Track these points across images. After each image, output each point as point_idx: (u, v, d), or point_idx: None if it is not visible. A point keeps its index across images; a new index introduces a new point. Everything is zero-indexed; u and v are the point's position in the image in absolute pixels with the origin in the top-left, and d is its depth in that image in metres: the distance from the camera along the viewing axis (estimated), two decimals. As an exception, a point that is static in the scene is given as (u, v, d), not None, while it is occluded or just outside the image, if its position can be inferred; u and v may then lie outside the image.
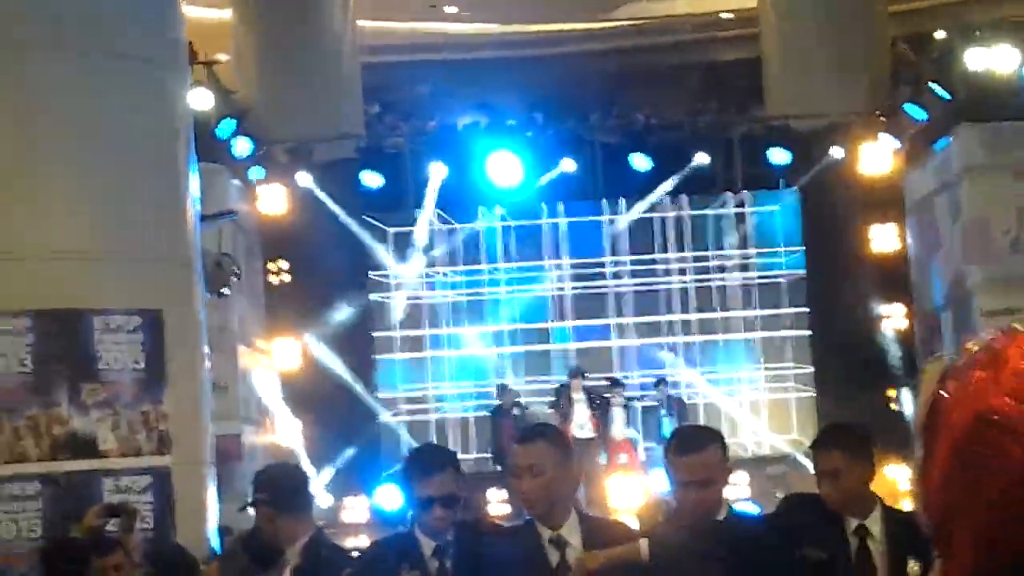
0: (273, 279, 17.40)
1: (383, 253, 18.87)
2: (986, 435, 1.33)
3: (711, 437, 4.61)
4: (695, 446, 4.48)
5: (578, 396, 16.97)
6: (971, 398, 1.36)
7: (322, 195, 17.94)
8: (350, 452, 17.14)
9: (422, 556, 4.46)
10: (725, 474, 4.57)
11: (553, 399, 17.34)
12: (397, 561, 4.43)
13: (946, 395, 1.39)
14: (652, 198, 18.79)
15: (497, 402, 17.78)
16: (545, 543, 4.40)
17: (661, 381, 17.79)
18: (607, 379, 17.88)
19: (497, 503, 15.59)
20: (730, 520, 4.52)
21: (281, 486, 5.10)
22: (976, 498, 1.32)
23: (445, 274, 19.10)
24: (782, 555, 4.48)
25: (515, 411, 17.21)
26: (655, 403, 17.78)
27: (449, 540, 4.49)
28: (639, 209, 18.90)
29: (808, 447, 5.41)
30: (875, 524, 4.74)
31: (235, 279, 13.34)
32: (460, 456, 17.41)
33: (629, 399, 17.79)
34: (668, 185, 18.62)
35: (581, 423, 16.71)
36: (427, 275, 19.07)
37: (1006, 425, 1.33)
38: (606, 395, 17.31)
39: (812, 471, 4.98)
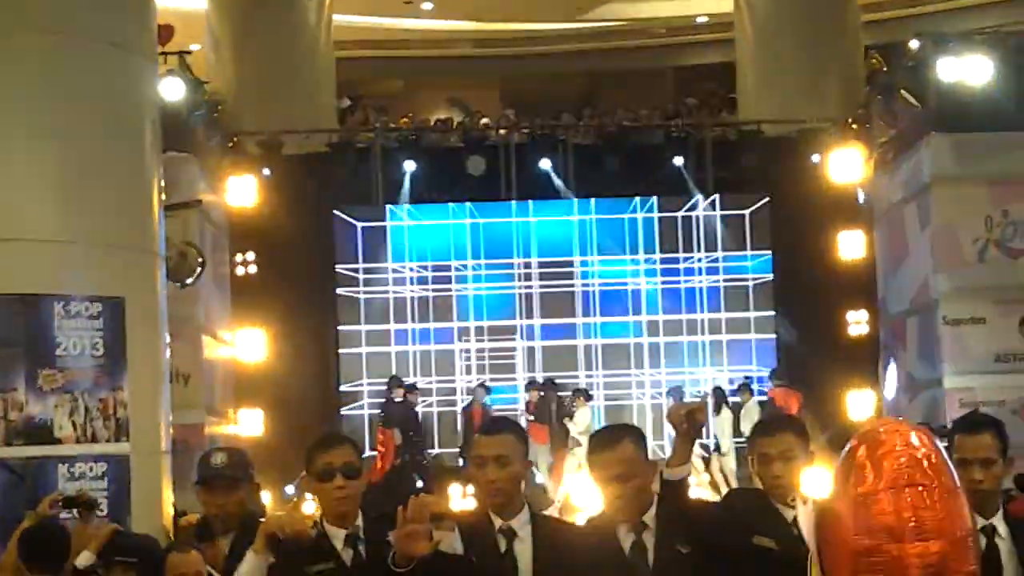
0: (240, 270, 17.33)
1: (351, 247, 18.83)
2: None
3: (624, 432, 4.61)
4: (608, 443, 4.53)
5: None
6: None
7: (291, 188, 17.88)
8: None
9: (333, 547, 4.35)
10: (647, 468, 4.52)
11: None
12: (309, 558, 4.27)
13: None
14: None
15: (470, 398, 17.89)
16: (495, 532, 4.40)
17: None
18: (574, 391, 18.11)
19: (460, 498, 15.55)
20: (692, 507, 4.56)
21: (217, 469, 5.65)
22: None
23: (412, 269, 19.06)
24: (736, 542, 4.47)
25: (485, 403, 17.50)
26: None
27: (359, 526, 4.39)
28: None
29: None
30: None
31: (200, 269, 13.28)
32: (426, 451, 17.03)
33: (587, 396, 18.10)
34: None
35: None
36: (395, 270, 19.03)
37: None
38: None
39: None
